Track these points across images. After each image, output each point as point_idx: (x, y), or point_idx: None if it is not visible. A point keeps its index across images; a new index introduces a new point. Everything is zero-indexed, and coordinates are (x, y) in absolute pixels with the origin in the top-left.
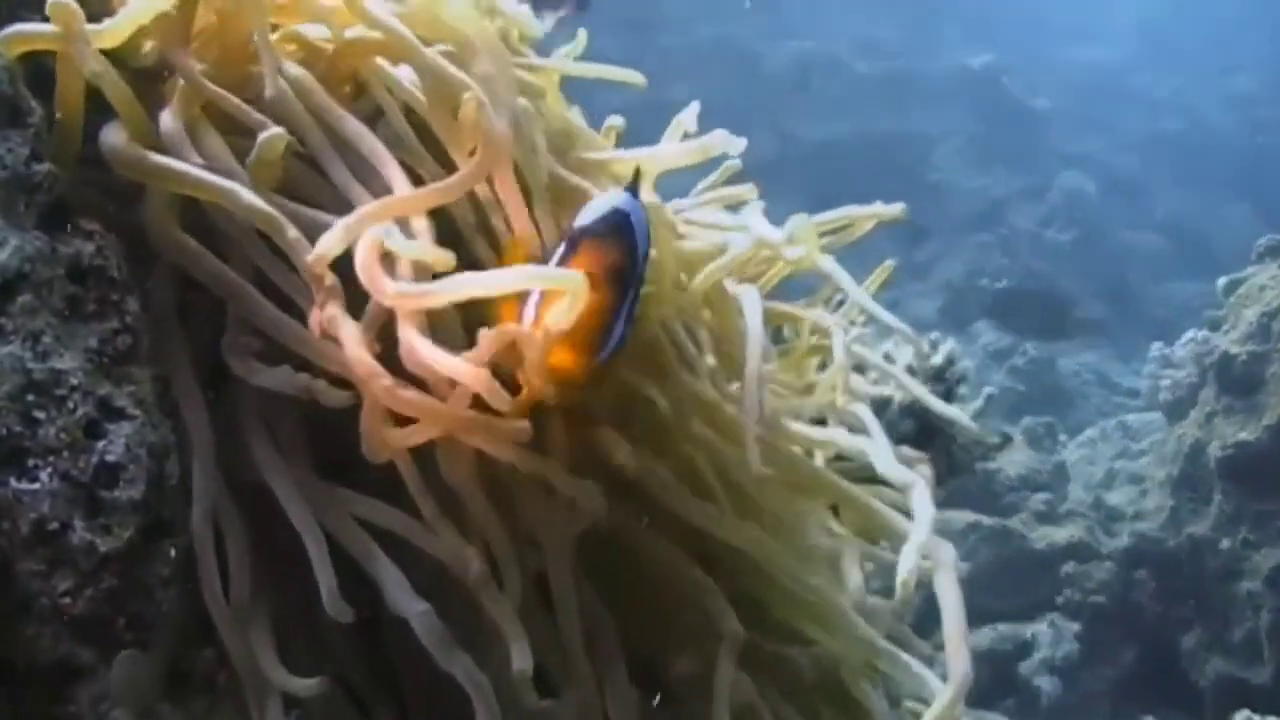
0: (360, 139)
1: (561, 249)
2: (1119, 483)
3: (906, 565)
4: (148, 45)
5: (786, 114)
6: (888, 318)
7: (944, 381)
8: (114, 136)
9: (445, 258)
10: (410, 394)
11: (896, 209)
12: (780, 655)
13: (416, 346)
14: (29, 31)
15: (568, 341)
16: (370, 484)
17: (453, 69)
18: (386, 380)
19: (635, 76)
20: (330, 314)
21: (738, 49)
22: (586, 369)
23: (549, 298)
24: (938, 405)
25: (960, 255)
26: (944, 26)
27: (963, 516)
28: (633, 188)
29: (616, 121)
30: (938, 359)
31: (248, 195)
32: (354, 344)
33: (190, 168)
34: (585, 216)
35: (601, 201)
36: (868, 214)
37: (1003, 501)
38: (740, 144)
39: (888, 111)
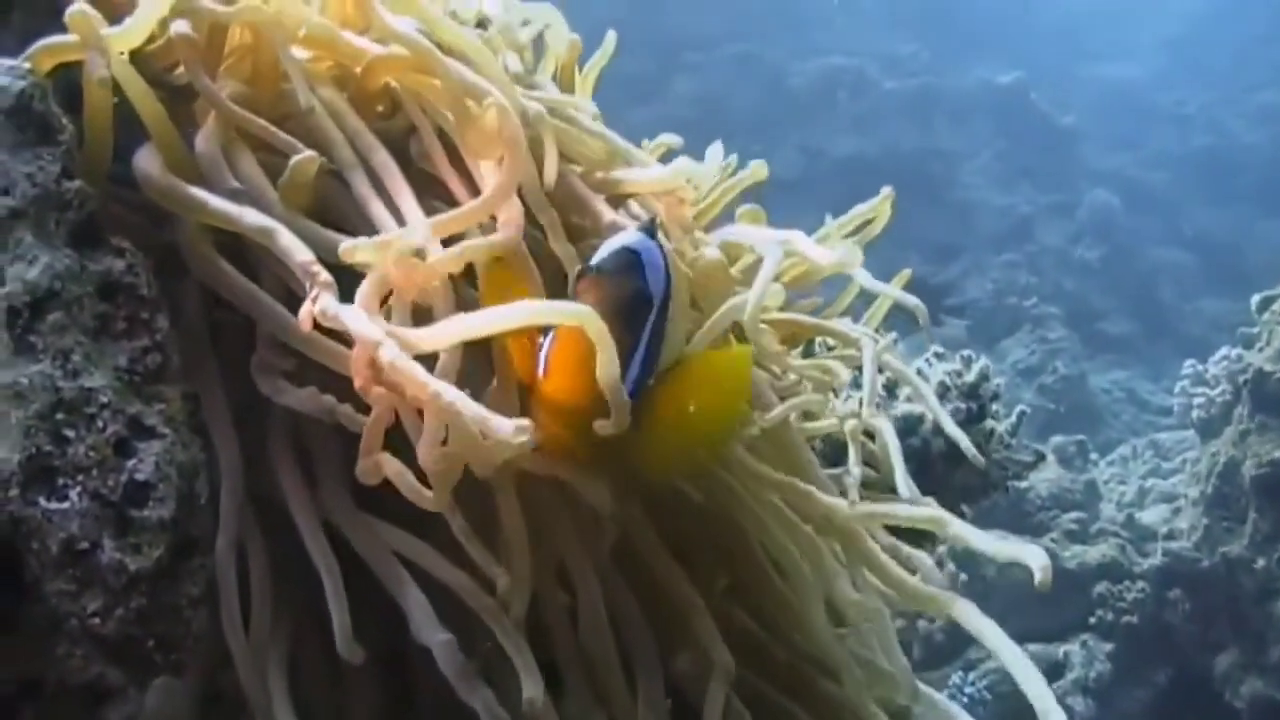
0: (386, 170)
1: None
2: (1151, 501)
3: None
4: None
5: (813, 130)
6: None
7: (977, 399)
8: (148, 163)
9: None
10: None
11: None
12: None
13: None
14: (56, 44)
15: (570, 376)
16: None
17: (476, 78)
18: (393, 348)
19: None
20: (324, 306)
21: (764, 66)
22: (592, 404)
23: (560, 333)
24: (949, 426)
25: (988, 273)
26: (971, 43)
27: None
28: (649, 228)
29: (672, 140)
30: (970, 376)
31: (286, 236)
32: (357, 319)
33: (223, 203)
34: (596, 255)
35: (614, 240)
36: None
37: (1034, 520)
38: (714, 160)
39: (914, 128)
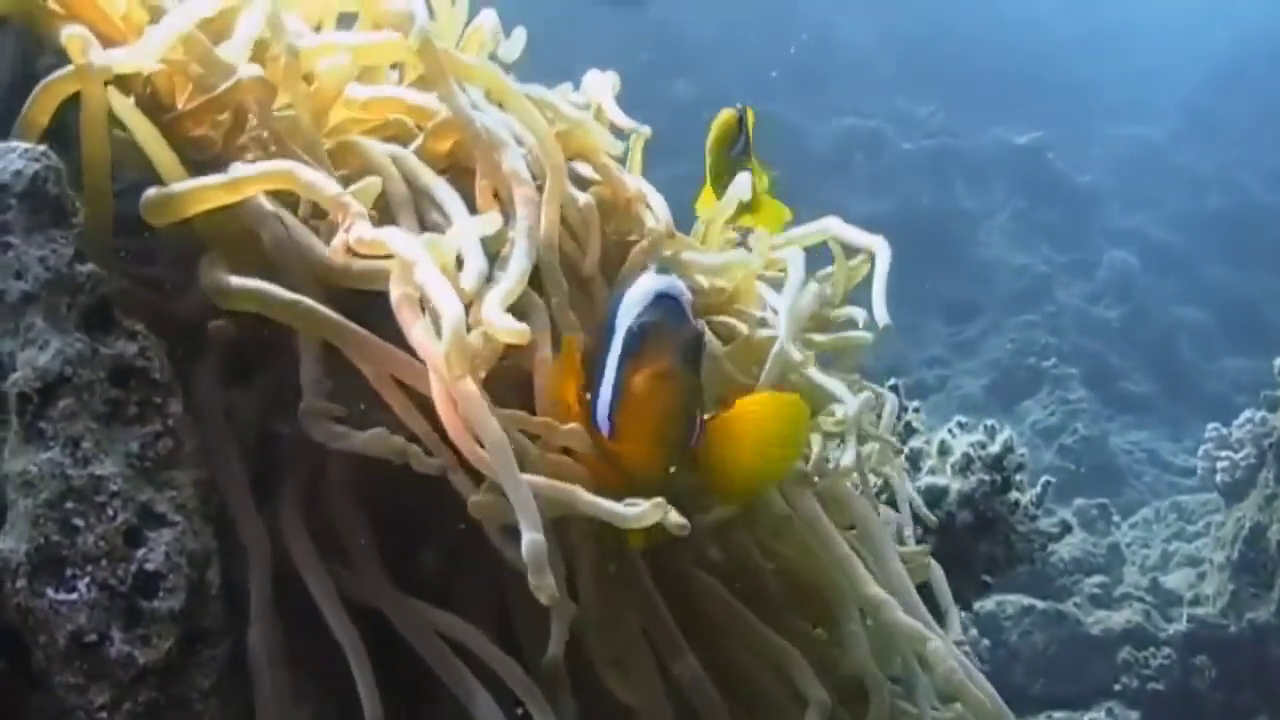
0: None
1: (618, 347)
2: (1175, 565)
3: None
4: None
5: (830, 190)
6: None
7: (1002, 470)
8: (215, 274)
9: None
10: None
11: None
12: None
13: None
14: (53, 81)
15: (648, 447)
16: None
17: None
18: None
19: None
20: (359, 233)
21: (781, 125)
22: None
23: (628, 404)
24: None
25: (1007, 333)
26: (988, 103)
27: (1016, 600)
28: (663, 268)
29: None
30: (995, 448)
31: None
32: (393, 236)
33: (288, 295)
34: (632, 308)
35: (643, 290)
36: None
37: (1056, 584)
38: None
39: (932, 188)
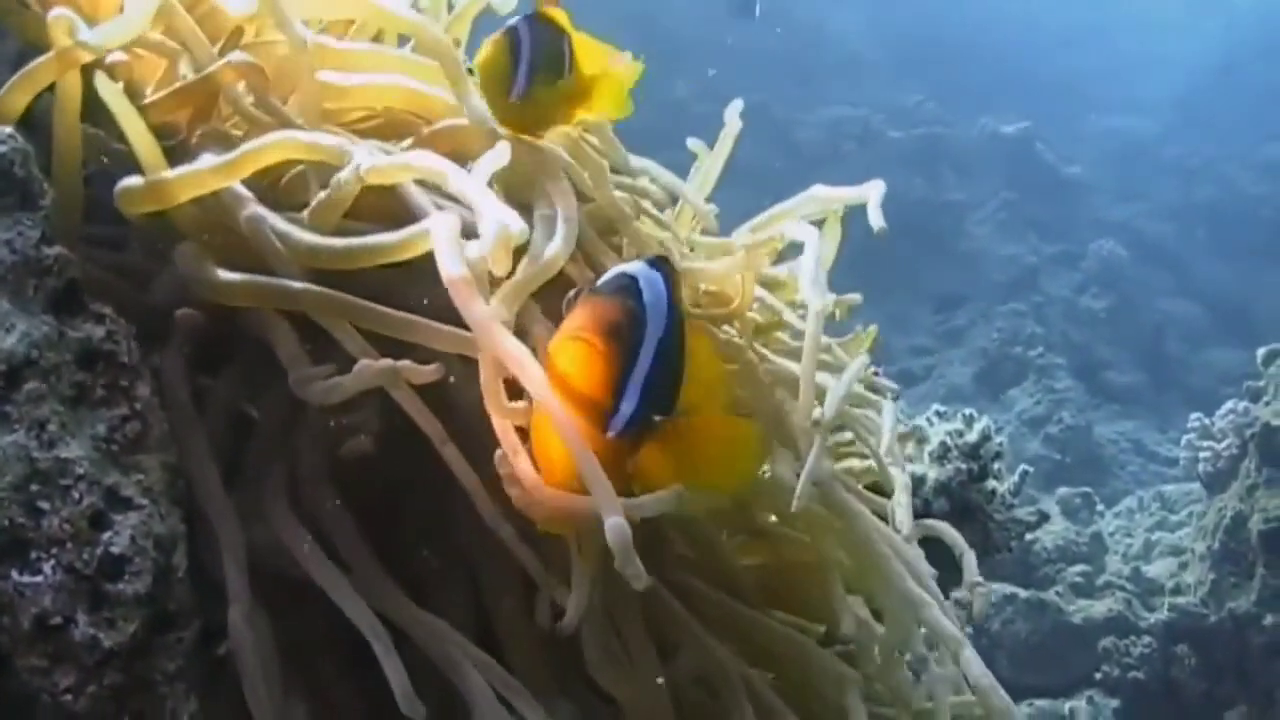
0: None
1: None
2: (1157, 555)
3: None
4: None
5: (819, 181)
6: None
7: (979, 459)
8: (205, 269)
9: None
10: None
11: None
12: None
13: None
14: (30, 70)
15: (548, 463)
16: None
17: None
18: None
19: None
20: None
21: (770, 116)
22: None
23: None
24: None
25: (994, 322)
26: (977, 94)
27: (999, 589)
28: (656, 262)
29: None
30: (972, 436)
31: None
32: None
33: (271, 281)
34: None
35: (617, 269)
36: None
37: (1039, 574)
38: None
39: (921, 178)
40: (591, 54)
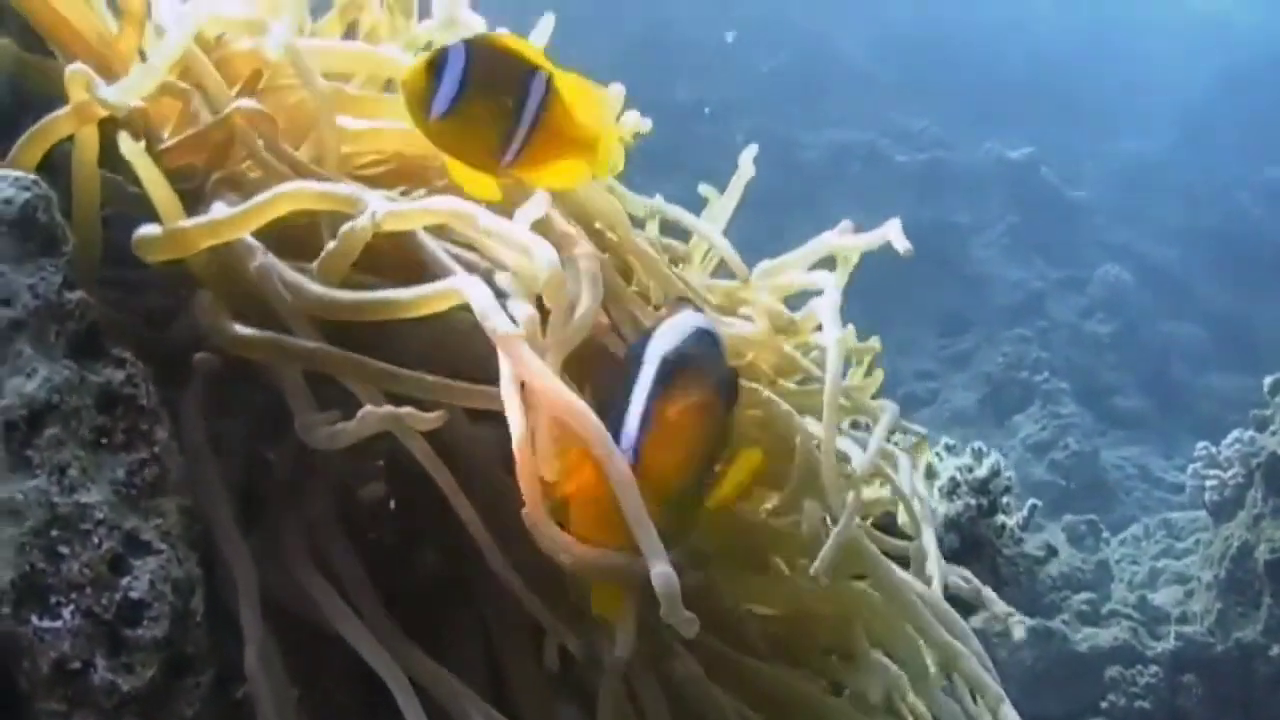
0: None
1: (650, 377)
2: (1163, 583)
3: None
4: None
5: (825, 204)
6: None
7: (988, 494)
8: (222, 322)
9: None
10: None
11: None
12: None
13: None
14: (47, 124)
15: (681, 474)
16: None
17: None
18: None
19: None
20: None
21: (776, 139)
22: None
23: (659, 435)
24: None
25: (999, 347)
26: (982, 117)
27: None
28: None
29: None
30: (982, 471)
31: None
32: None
33: (285, 339)
34: (668, 339)
35: (681, 323)
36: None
37: (1044, 601)
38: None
39: (926, 202)
40: (581, 99)
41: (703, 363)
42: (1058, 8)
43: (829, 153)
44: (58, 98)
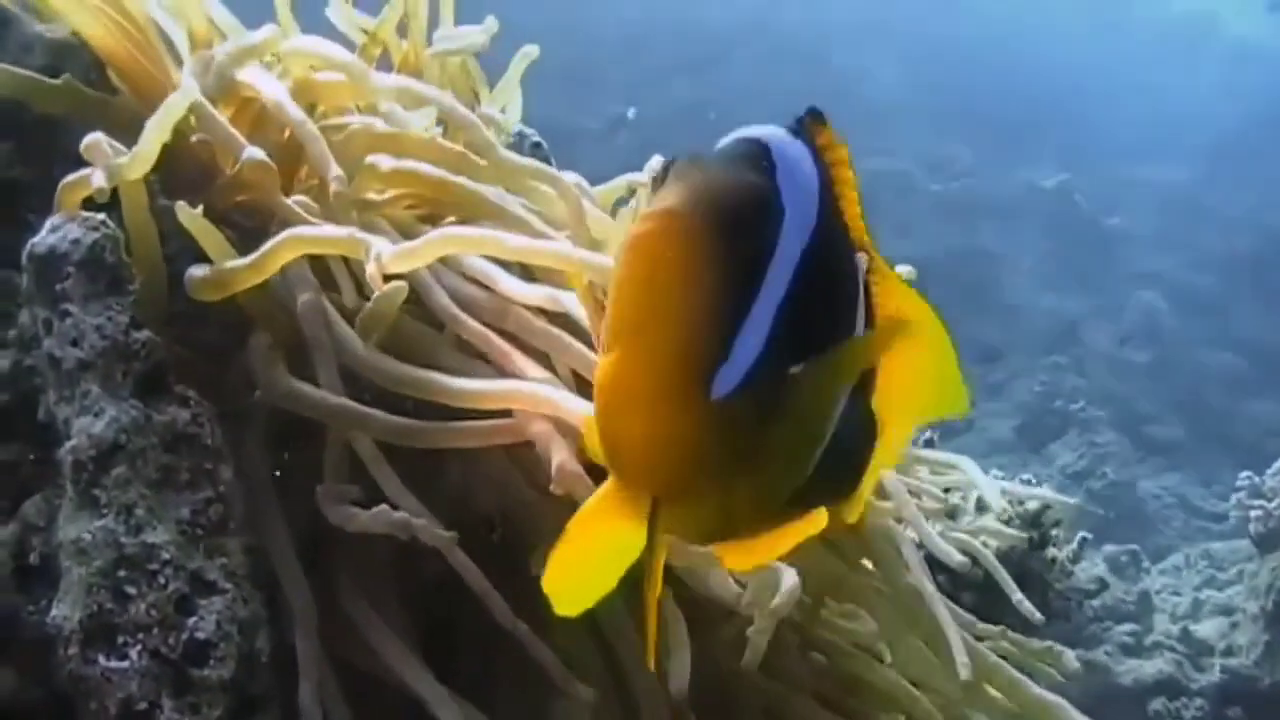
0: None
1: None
2: (1207, 614)
3: None
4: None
5: None
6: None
7: (1039, 527)
8: (277, 376)
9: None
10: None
11: None
12: None
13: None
14: (72, 181)
15: (619, 345)
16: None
17: None
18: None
19: None
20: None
21: None
22: (657, 385)
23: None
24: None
25: (1035, 375)
26: (1015, 146)
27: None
28: (803, 130)
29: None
30: (1032, 504)
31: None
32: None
33: (340, 401)
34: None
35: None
36: None
37: (1086, 633)
38: None
39: (960, 231)
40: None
41: (688, 167)
42: (1092, 37)
43: (862, 182)
44: (115, 132)
